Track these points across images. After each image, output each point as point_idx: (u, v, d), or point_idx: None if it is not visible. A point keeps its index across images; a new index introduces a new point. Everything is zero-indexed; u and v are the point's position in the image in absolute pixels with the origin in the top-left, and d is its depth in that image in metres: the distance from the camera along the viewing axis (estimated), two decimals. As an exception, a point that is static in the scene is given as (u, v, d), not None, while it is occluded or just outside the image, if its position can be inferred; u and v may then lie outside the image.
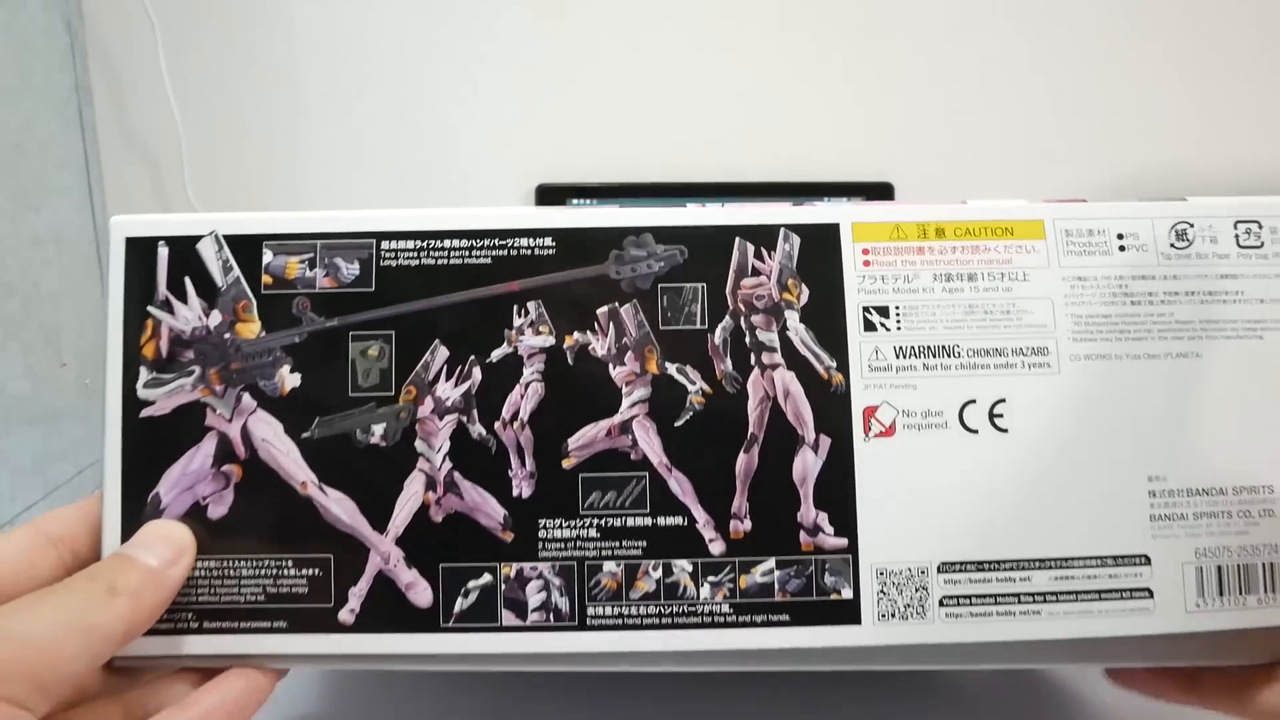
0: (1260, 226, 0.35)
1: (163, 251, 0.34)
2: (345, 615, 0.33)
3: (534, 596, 0.33)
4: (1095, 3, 0.87)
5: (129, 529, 0.33)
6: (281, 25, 0.86)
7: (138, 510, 0.33)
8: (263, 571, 0.33)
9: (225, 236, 0.34)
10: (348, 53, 0.87)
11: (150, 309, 0.33)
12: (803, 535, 0.33)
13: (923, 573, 0.33)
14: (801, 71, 0.88)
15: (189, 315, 0.34)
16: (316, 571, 0.33)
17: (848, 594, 0.33)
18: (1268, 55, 0.87)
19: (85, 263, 0.68)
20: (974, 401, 0.34)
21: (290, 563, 0.33)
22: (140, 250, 0.34)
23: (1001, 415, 0.34)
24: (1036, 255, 0.35)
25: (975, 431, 0.34)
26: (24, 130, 0.61)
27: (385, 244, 0.34)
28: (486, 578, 0.33)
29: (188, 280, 0.33)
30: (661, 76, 0.88)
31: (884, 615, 0.33)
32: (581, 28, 0.87)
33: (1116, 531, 0.34)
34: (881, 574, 0.33)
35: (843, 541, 0.33)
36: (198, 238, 0.34)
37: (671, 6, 0.87)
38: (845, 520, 0.33)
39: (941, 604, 0.33)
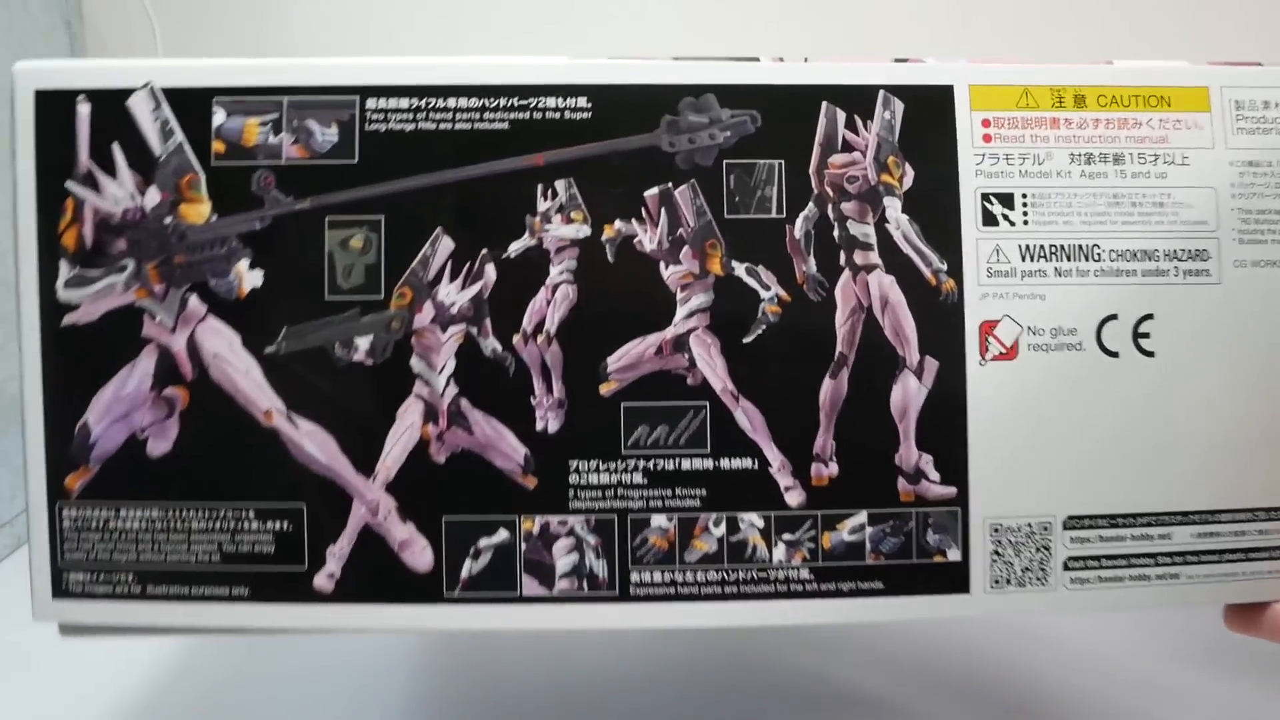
0: None
1: (83, 110, 0.27)
2: (323, 581, 0.27)
3: (563, 559, 0.27)
4: (1097, 4, 0.85)
5: (56, 467, 0.27)
6: (281, 26, 0.84)
7: (64, 444, 0.27)
8: (217, 525, 0.27)
9: (165, 90, 0.27)
10: (347, 54, 0.83)
11: (70, 185, 0.27)
12: (901, 482, 0.27)
13: (1045, 529, 0.27)
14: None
15: (119, 193, 0.27)
16: (285, 525, 0.27)
17: (955, 555, 0.27)
18: (1267, 54, 0.84)
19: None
20: (1115, 317, 0.27)
21: (251, 514, 0.27)
22: (54, 107, 0.27)
23: (1148, 335, 0.27)
24: (1199, 133, 0.28)
25: (1115, 355, 0.27)
26: (24, 130, 0.61)
27: (372, 102, 0.27)
28: (503, 534, 0.27)
29: (116, 148, 0.27)
30: (668, 40, 0.84)
31: (997, 581, 0.27)
32: (585, 21, 0.85)
33: (1273, 479, 0.28)
34: (996, 530, 0.27)
35: (950, 490, 0.27)
36: (129, 91, 0.27)
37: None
38: (954, 464, 0.27)
39: (1066, 567, 0.27)
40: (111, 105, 0.27)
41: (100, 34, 0.79)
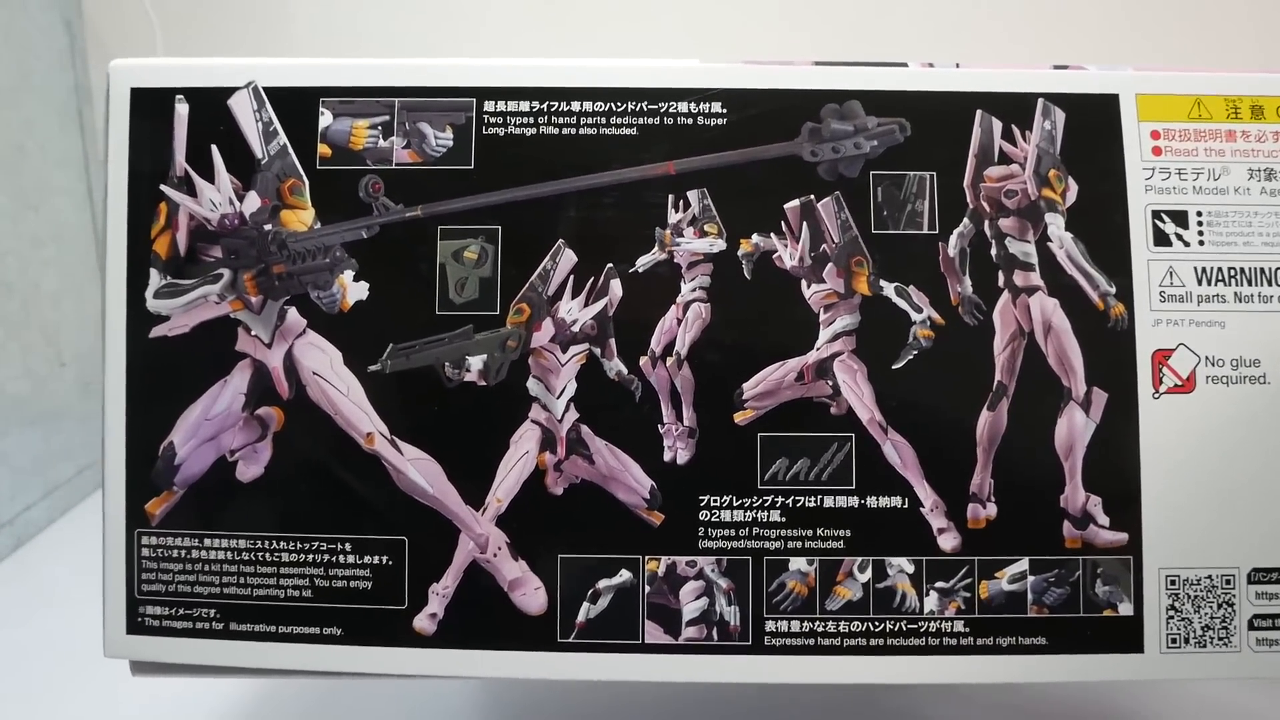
0: None
1: (181, 109, 0.25)
2: (424, 622, 0.25)
3: (691, 604, 0.25)
4: (1096, 5, 0.82)
5: (136, 490, 0.25)
6: (280, 27, 0.84)
7: (146, 466, 0.25)
8: (310, 557, 0.25)
9: (268, 90, 0.25)
10: (346, 55, 0.85)
11: (164, 189, 0.25)
12: (1067, 527, 0.25)
13: (1228, 582, 0.24)
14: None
15: (216, 198, 0.25)
16: (385, 560, 0.25)
17: (1126, 610, 0.24)
18: (1267, 54, 0.82)
19: (85, 263, 0.68)
20: None
21: (348, 546, 0.25)
22: (151, 106, 0.25)
23: None
24: None
25: None
26: (24, 130, 0.61)
27: (490, 104, 0.25)
28: (624, 576, 0.25)
29: (215, 150, 0.25)
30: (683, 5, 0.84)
31: (1174, 640, 0.24)
32: (587, 23, 0.83)
33: None
34: (1173, 583, 0.24)
35: (1121, 537, 0.25)
36: (229, 90, 0.25)
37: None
38: (1125, 508, 0.25)
39: (1252, 626, 0.25)
40: (211, 105, 0.25)
41: (100, 34, 0.79)
